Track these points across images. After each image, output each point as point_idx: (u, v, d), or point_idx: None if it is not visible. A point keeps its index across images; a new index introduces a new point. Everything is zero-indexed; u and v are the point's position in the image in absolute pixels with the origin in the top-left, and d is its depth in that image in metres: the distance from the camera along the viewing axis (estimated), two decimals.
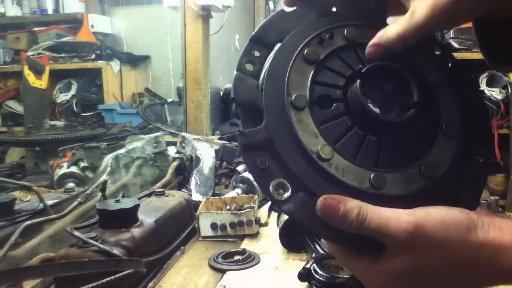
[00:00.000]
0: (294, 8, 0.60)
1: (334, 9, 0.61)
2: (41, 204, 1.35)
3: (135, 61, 4.92)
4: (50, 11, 4.71)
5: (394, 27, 0.54)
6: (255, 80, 0.56)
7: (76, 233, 1.05)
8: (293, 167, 0.50)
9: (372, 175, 0.51)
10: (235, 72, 0.56)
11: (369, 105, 0.53)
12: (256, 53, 0.58)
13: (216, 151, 2.10)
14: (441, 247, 0.47)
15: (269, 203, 1.74)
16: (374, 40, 0.54)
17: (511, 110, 3.54)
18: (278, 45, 0.57)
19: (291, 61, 0.55)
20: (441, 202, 0.50)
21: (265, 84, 0.54)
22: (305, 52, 0.55)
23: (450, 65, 0.62)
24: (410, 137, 0.55)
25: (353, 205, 0.48)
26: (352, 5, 0.62)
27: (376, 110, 0.55)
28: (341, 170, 0.51)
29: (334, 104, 0.55)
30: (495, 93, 3.54)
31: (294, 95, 0.53)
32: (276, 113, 0.52)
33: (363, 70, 0.54)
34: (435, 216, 0.48)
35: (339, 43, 0.57)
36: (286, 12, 0.60)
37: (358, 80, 0.53)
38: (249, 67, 0.57)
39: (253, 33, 0.59)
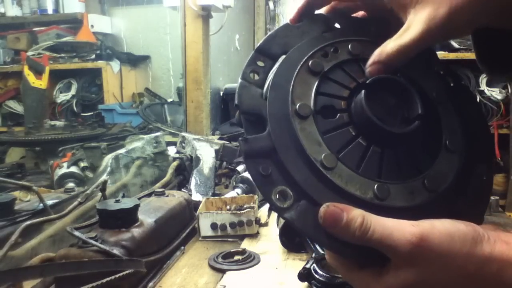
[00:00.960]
0: (299, 23, 0.62)
1: (337, 26, 0.63)
2: (41, 204, 1.35)
3: (135, 61, 4.92)
4: (50, 11, 4.72)
5: (392, 43, 0.54)
6: (259, 89, 0.57)
7: (76, 233, 1.05)
8: (296, 175, 0.50)
9: (376, 185, 0.51)
10: (239, 80, 0.57)
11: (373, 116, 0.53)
12: (261, 63, 0.58)
13: (216, 151, 2.10)
14: (446, 260, 0.46)
15: None
16: (374, 58, 0.54)
17: (511, 110, 3.54)
18: (283, 57, 0.58)
19: (296, 72, 0.55)
20: (445, 216, 0.49)
21: (269, 93, 0.54)
22: (309, 64, 0.56)
23: (452, 84, 0.63)
24: (413, 150, 0.55)
25: (356, 214, 0.47)
26: (355, 25, 0.63)
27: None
28: (345, 180, 0.50)
29: (338, 114, 0.55)
30: (495, 93, 3.55)
31: (298, 104, 0.53)
32: (280, 121, 0.52)
33: (367, 82, 0.54)
34: (440, 228, 0.47)
35: (343, 57, 0.58)
36: (291, 26, 0.62)
37: (363, 91, 0.53)
38: (253, 76, 0.57)
39: (258, 44, 0.60)
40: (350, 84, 0.57)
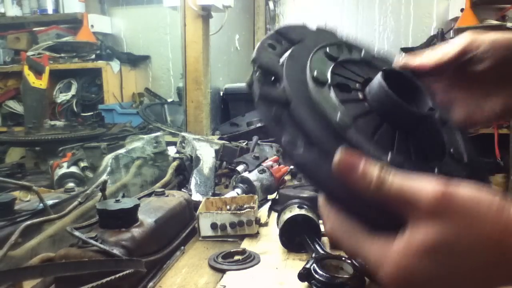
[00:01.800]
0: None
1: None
2: (41, 204, 1.35)
3: (135, 61, 4.91)
4: (50, 11, 4.71)
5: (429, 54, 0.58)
6: (277, 56, 0.57)
7: (76, 233, 1.05)
8: (311, 132, 0.47)
9: (389, 154, 0.48)
10: (258, 44, 0.56)
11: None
12: (280, 39, 0.59)
13: (216, 151, 2.10)
14: (472, 222, 0.41)
15: (269, 203, 1.74)
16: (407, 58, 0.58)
17: None
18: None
19: (313, 51, 0.57)
20: None
21: (287, 61, 0.54)
22: (327, 49, 0.58)
23: None
24: (423, 144, 0.55)
25: (374, 164, 0.43)
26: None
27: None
28: (360, 142, 0.49)
29: (353, 91, 0.55)
30: None
31: (316, 71, 0.53)
32: (297, 82, 0.51)
33: (383, 69, 0.54)
34: (466, 188, 0.42)
35: (356, 56, 0.61)
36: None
37: (381, 72, 0.53)
38: (271, 47, 0.57)
39: (278, 27, 0.61)
40: (364, 75, 0.58)
